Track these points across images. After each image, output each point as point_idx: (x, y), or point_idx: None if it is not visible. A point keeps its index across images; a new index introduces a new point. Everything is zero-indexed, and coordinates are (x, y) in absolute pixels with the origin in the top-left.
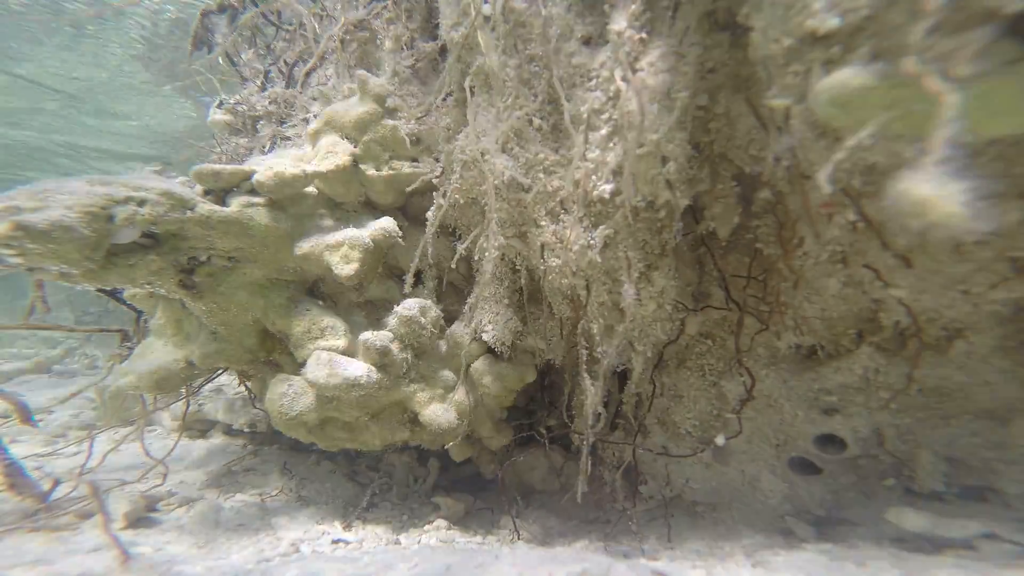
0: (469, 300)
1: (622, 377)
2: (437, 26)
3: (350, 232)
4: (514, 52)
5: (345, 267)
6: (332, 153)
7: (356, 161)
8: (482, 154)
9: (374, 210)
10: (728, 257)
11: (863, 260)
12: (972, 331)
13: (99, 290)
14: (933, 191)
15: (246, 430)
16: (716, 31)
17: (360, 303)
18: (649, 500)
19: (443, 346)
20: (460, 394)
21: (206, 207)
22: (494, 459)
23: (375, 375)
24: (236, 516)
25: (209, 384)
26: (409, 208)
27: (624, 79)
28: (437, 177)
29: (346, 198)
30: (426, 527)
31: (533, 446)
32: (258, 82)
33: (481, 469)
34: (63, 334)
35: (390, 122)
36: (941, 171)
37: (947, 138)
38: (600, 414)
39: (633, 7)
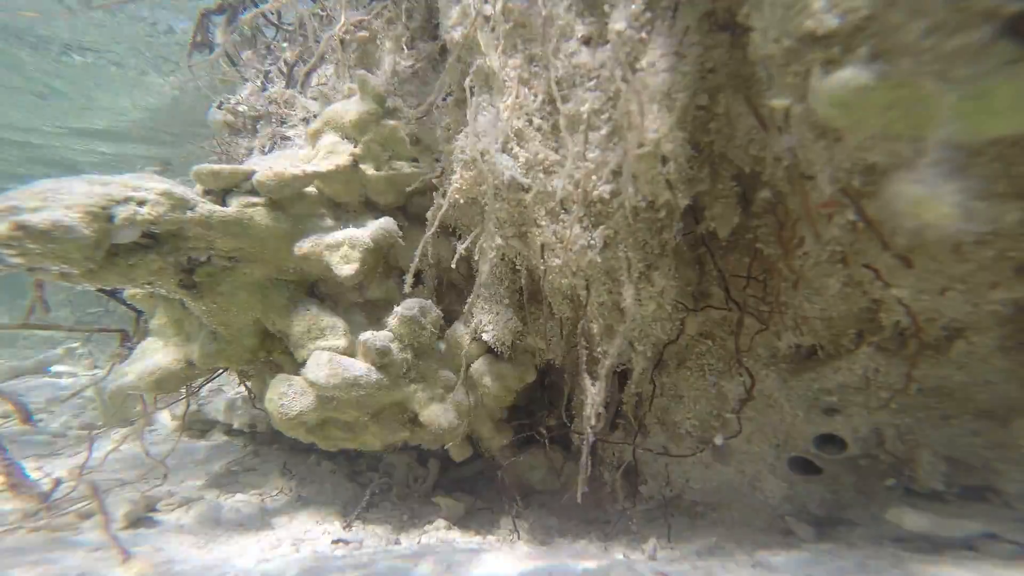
0: (469, 300)
1: (622, 377)
2: (437, 26)
3: (350, 232)
4: (514, 52)
5: (345, 267)
6: (332, 153)
7: (356, 161)
8: (482, 154)
9: (374, 210)
10: (728, 257)
11: (863, 260)
12: (972, 331)
13: (99, 290)
14: (927, 192)
15: (246, 430)
16: (716, 31)
17: (360, 303)
18: (649, 500)
19: (443, 346)
20: (460, 394)
21: (206, 207)
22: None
23: (375, 375)
24: (236, 516)
25: (209, 384)
26: (409, 208)
27: (624, 79)
28: (437, 177)
29: (346, 198)
30: (426, 527)
31: (533, 446)
32: (258, 82)
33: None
34: (63, 334)
35: (390, 122)
36: (935, 172)
37: (942, 139)
38: (600, 414)
39: (633, 7)
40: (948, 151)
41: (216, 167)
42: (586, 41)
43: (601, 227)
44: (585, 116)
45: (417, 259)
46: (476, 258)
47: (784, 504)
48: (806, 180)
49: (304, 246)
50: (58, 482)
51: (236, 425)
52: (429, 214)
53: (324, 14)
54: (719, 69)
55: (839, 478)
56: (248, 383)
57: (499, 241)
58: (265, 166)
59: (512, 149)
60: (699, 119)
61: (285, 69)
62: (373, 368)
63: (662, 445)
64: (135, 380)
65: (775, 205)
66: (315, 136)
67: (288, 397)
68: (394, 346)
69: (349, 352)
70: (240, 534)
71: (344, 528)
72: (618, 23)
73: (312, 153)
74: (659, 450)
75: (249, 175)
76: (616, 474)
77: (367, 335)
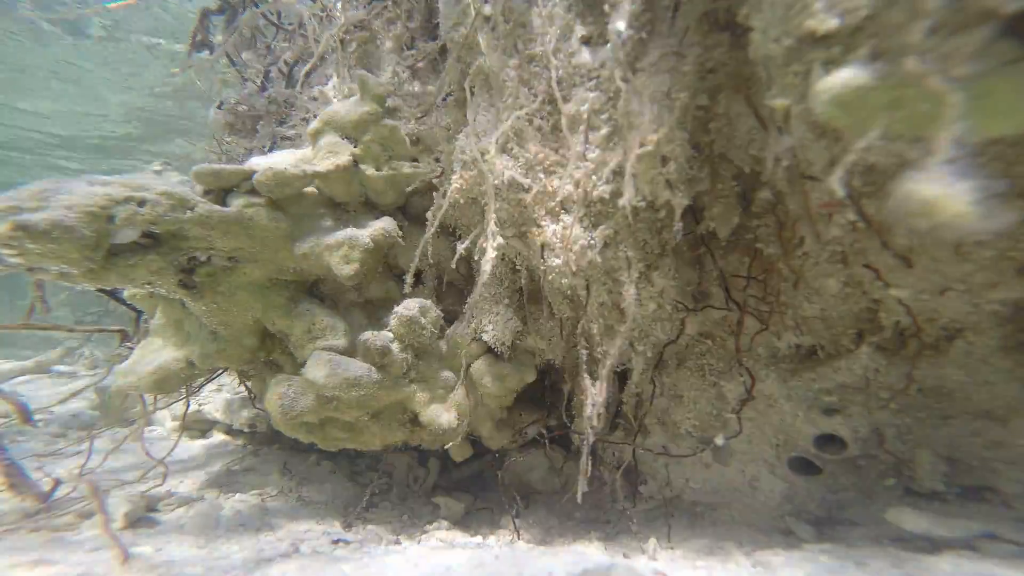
0: (469, 300)
1: (622, 377)
2: (437, 26)
3: (350, 232)
4: (514, 52)
5: (345, 267)
6: (332, 153)
7: (356, 161)
8: (482, 154)
9: (374, 210)
10: (728, 257)
11: (863, 260)
12: (972, 331)
13: (99, 290)
14: (940, 191)
15: (246, 430)
16: (716, 31)
17: (360, 303)
18: (649, 500)
19: (443, 346)
20: (460, 394)
21: (206, 207)
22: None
23: (375, 375)
24: (236, 516)
25: (209, 384)
26: (409, 208)
27: (624, 79)
28: (437, 177)
29: (346, 198)
30: (426, 527)
31: (533, 446)
32: (258, 82)
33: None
34: (63, 334)
35: (390, 122)
36: (947, 171)
37: (952, 137)
38: (600, 414)
39: (633, 7)
40: (961, 149)
41: (216, 167)
42: (586, 41)
43: (601, 227)
44: (585, 116)
45: (417, 259)
46: (476, 258)
47: (784, 504)
48: (806, 180)
49: (304, 246)
50: (58, 482)
51: (236, 425)
52: (429, 214)
53: (324, 14)
54: (719, 69)
55: (839, 478)
56: (248, 383)
57: (499, 241)
58: (265, 166)
59: (512, 149)
60: (699, 119)
61: (285, 69)
62: (373, 368)
63: (662, 445)
64: (135, 380)
65: (775, 205)
66: (315, 136)
67: (288, 397)
68: (394, 346)
69: (349, 352)
70: (240, 534)
71: (344, 528)
72: (618, 23)
73: (312, 153)
74: (659, 450)
75: (249, 175)
76: (616, 474)
77: (367, 335)
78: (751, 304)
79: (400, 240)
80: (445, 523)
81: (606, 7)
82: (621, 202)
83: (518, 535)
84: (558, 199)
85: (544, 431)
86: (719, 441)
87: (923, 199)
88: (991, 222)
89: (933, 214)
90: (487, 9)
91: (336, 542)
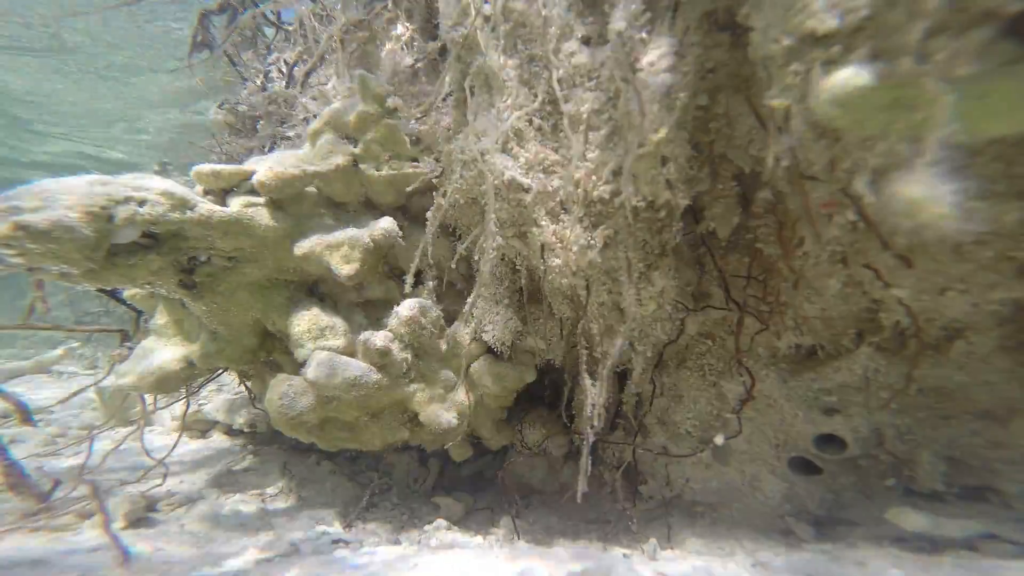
0: (469, 300)
1: (622, 377)
2: (437, 26)
3: (350, 232)
4: (514, 52)
5: (345, 267)
6: (332, 153)
7: (356, 161)
8: (482, 154)
9: (374, 210)
10: (728, 257)
11: (863, 260)
12: (972, 331)
13: (99, 290)
14: (924, 192)
15: (246, 430)
16: (716, 31)
17: (360, 303)
18: (649, 500)
19: (443, 346)
20: (460, 394)
21: (206, 207)
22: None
23: (375, 375)
24: (236, 516)
25: (209, 384)
26: (409, 208)
27: (624, 79)
28: (437, 177)
29: (346, 198)
30: (426, 527)
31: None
32: (258, 82)
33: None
34: (63, 334)
35: (390, 122)
36: (932, 172)
37: (940, 139)
38: (601, 414)
39: (633, 7)
40: (947, 151)
41: (217, 167)
42: (586, 41)
43: (601, 227)
44: (585, 116)
45: (417, 259)
46: (476, 258)
47: (784, 504)
48: (806, 180)
49: (304, 246)
50: (58, 482)
51: (236, 425)
52: (429, 214)
53: (324, 14)
54: (719, 69)
55: (839, 478)
56: (248, 383)
57: (499, 241)
58: (265, 166)
59: (512, 149)
60: (699, 119)
61: (285, 69)
62: (373, 368)
63: (662, 445)
64: (135, 380)
65: (775, 205)
66: (315, 136)
67: (288, 397)
68: (394, 346)
69: (349, 352)
70: (240, 534)
71: (344, 528)
72: (618, 23)
73: (312, 153)
74: (659, 450)
75: (249, 175)
76: (616, 474)
77: (367, 335)
78: (751, 304)
79: (400, 240)
80: (445, 523)
81: (606, 7)
82: (621, 201)
83: (518, 535)
84: (558, 199)
85: (544, 432)
86: (719, 441)
87: (908, 199)
88: (973, 223)
89: (916, 214)
90: (487, 9)
91: (336, 542)
